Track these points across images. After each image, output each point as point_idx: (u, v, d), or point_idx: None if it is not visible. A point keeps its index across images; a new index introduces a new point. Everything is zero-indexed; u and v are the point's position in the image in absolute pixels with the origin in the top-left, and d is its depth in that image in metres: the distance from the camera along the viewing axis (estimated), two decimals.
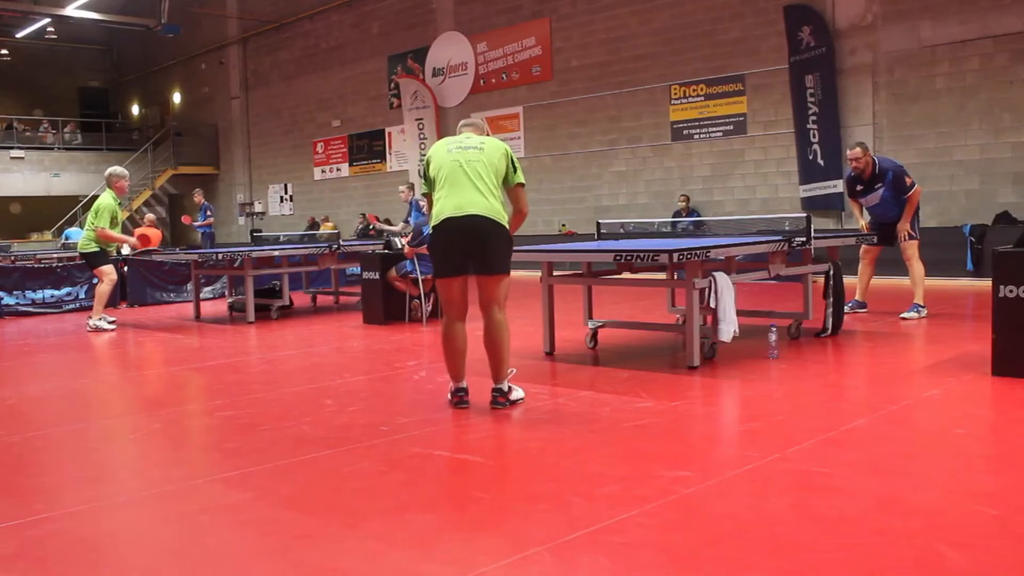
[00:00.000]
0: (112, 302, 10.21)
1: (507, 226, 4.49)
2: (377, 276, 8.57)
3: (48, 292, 10.83)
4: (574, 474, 3.39)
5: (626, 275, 6.53)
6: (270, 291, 9.75)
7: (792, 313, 6.87)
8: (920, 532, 2.67)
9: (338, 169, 22.56)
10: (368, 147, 21.57)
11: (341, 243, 10.03)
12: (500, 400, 4.53)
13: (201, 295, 10.20)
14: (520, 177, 4.64)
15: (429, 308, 8.43)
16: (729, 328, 5.55)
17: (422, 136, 19.58)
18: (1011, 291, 4.81)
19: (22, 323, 9.92)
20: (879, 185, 7.69)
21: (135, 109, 31.46)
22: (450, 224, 4.40)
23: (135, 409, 5.21)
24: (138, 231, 13.51)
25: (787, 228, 6.64)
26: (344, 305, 10.59)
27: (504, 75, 18.00)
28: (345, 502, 3.16)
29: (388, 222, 19.43)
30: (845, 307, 7.12)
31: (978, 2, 11.74)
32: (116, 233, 8.93)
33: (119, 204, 8.84)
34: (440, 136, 18.86)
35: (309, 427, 4.32)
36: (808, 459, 3.47)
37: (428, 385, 5.35)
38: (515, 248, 4.66)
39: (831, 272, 6.65)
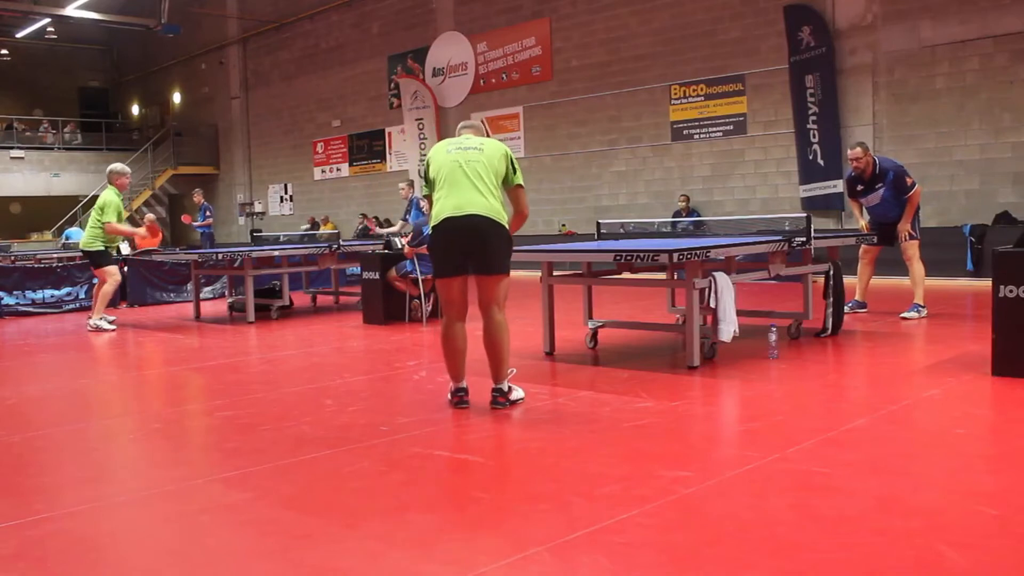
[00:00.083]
0: (112, 302, 10.20)
1: (507, 226, 4.50)
2: (377, 276, 8.57)
3: (48, 292, 10.83)
4: (574, 474, 3.39)
5: (626, 275, 6.53)
6: (270, 291, 9.75)
7: (792, 313, 6.87)
8: (920, 532, 2.67)
9: (338, 169, 22.56)
10: (368, 147, 21.57)
11: (341, 243, 10.03)
12: (500, 400, 4.53)
13: (201, 295, 10.20)
14: (519, 178, 4.64)
15: (429, 308, 8.43)
16: (729, 328, 5.55)
17: (422, 136, 19.58)
18: (1011, 291, 4.81)
19: (22, 323, 9.92)
20: (879, 185, 7.69)
21: (135, 109, 31.47)
22: (450, 224, 4.41)
23: (135, 409, 5.21)
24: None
25: (787, 228, 6.64)
26: (344, 305, 10.59)
27: (504, 75, 18.00)
28: (345, 502, 3.16)
29: (388, 222, 19.45)
30: (845, 307, 7.12)
31: (978, 2, 11.74)
32: (125, 226, 8.99)
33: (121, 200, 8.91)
34: (440, 136, 18.86)
35: (309, 427, 4.32)
36: (808, 459, 3.47)
37: (428, 385, 5.35)
38: (515, 248, 4.66)
39: (831, 272, 6.65)
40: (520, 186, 4.66)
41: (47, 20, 23.07)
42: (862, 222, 8.02)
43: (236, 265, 9.32)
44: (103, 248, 8.78)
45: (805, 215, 6.62)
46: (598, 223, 7.83)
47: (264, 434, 4.21)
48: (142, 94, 30.89)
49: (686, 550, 2.60)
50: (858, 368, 5.79)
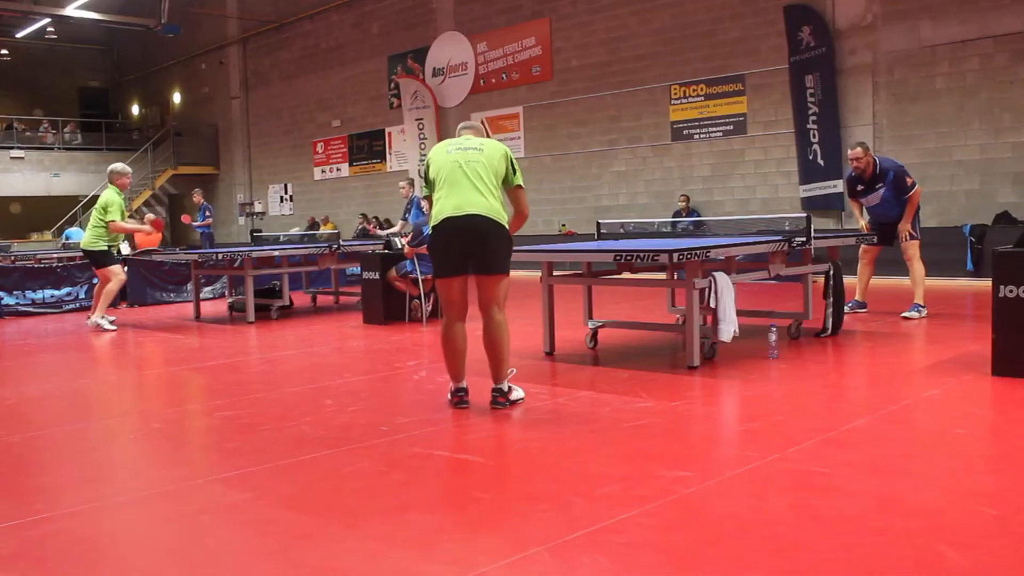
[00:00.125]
0: (112, 302, 10.20)
1: (507, 226, 4.50)
2: (377, 276, 8.57)
3: (48, 292, 10.83)
4: (574, 474, 3.39)
5: (626, 275, 6.53)
6: (270, 291, 9.75)
7: (792, 313, 6.87)
8: (920, 532, 2.67)
9: (338, 169, 22.56)
10: (368, 147, 21.57)
11: (341, 243, 10.03)
12: (500, 400, 4.53)
13: (201, 295, 10.20)
14: (519, 179, 4.64)
15: (429, 308, 8.43)
16: (729, 328, 5.55)
17: (422, 136, 19.58)
18: (1011, 291, 4.81)
19: (22, 323, 9.92)
20: (880, 185, 7.68)
21: (135, 109, 31.47)
22: (450, 224, 4.40)
23: (135, 409, 5.21)
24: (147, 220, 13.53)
25: (787, 228, 6.64)
26: (344, 305, 10.59)
27: (504, 75, 18.00)
28: (345, 502, 3.16)
29: (388, 222, 19.45)
30: (845, 307, 7.12)
31: (978, 2, 11.74)
32: (130, 224, 9.06)
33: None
34: (440, 136, 18.87)
35: (309, 427, 4.32)
36: (808, 459, 3.47)
37: (428, 385, 5.35)
38: (515, 248, 4.66)
39: (831, 272, 6.65)
40: (520, 187, 4.66)
41: (47, 20, 23.07)
42: (862, 222, 8.02)
43: (236, 265, 9.32)
44: (106, 248, 8.80)
45: (805, 215, 6.62)
46: (598, 223, 7.83)
47: (264, 434, 4.21)
48: (142, 94, 30.89)
49: (686, 550, 2.60)
50: (858, 368, 5.79)
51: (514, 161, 4.63)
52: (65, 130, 28.07)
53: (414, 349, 6.98)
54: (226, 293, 11.18)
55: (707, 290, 5.56)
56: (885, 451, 3.60)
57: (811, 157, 13.40)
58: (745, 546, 2.60)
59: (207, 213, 17.16)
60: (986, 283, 6.12)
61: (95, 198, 26.53)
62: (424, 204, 4.74)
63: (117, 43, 30.91)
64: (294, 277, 10.68)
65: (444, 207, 4.43)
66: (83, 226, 21.69)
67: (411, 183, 12.77)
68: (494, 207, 4.42)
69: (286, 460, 3.72)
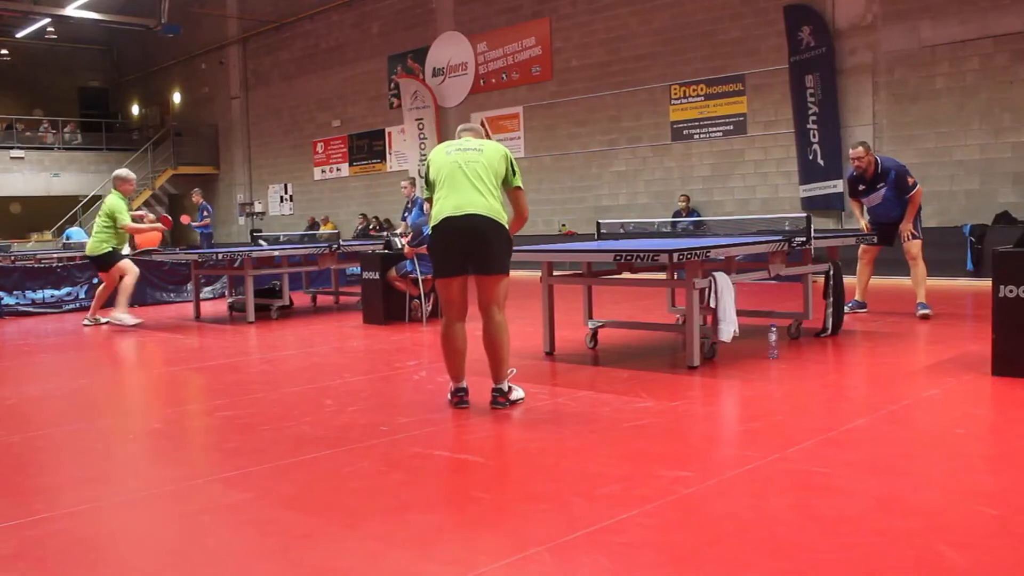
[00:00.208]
0: (112, 302, 10.21)
1: (507, 226, 4.50)
2: (377, 276, 8.57)
3: (48, 292, 10.83)
4: (574, 474, 3.39)
5: (626, 275, 6.53)
6: (270, 291, 9.75)
7: (792, 313, 6.87)
8: (920, 532, 2.67)
9: (338, 169, 22.57)
10: (368, 147, 21.58)
11: (341, 243, 10.03)
12: (500, 400, 4.53)
13: (201, 295, 10.20)
14: (519, 181, 4.64)
15: (429, 308, 8.43)
16: (729, 328, 5.55)
17: (422, 136, 19.59)
18: (1011, 291, 4.81)
19: (22, 323, 9.92)
20: (881, 185, 7.67)
21: (135, 109, 31.47)
22: (449, 224, 4.41)
23: (135, 409, 5.22)
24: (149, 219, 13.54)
25: (787, 228, 6.64)
26: (344, 305, 10.59)
27: (504, 75, 18.00)
28: (345, 502, 3.16)
29: (388, 222, 19.46)
30: (845, 307, 7.11)
31: (978, 2, 11.75)
32: (142, 224, 9.17)
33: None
34: (440, 136, 18.87)
35: (309, 427, 4.32)
36: (808, 459, 3.47)
37: (428, 385, 5.35)
38: (515, 248, 4.66)
39: (831, 272, 6.65)
40: (519, 188, 4.66)
41: (47, 20, 23.07)
42: (863, 222, 8.01)
43: (236, 265, 9.32)
44: (111, 250, 8.86)
45: (805, 215, 6.62)
46: (598, 223, 7.83)
47: (264, 434, 4.21)
48: (142, 94, 30.90)
49: (686, 550, 2.60)
50: (858, 368, 5.80)
51: (514, 162, 4.63)
52: (65, 130, 28.08)
53: (414, 349, 6.98)
54: (226, 293, 11.18)
55: (707, 290, 5.56)
56: (885, 451, 3.60)
57: (811, 157, 13.40)
58: (745, 546, 2.60)
59: (204, 213, 17.13)
60: (986, 283, 6.12)
61: (95, 198, 26.58)
62: (426, 205, 4.73)
63: (117, 43, 30.91)
64: (294, 277, 10.68)
65: (444, 207, 4.43)
66: (83, 226, 21.77)
67: (412, 182, 12.75)
68: (494, 207, 4.42)
69: (286, 460, 3.72)
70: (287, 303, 9.62)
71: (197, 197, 17.53)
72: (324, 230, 19.19)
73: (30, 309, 10.61)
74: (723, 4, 14.41)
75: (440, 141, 18.34)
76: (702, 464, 3.54)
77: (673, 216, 14.17)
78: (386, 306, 8.54)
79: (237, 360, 6.82)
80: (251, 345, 7.68)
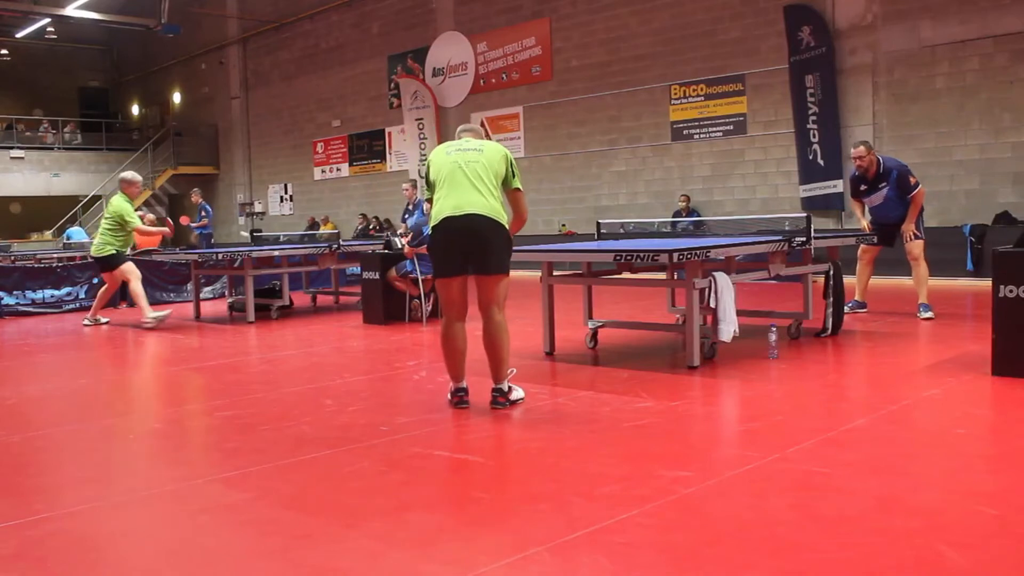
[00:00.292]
0: (112, 302, 10.22)
1: (507, 226, 4.50)
2: (377, 276, 8.57)
3: (48, 292, 10.83)
4: (574, 474, 3.39)
5: (626, 275, 6.53)
6: (270, 291, 9.75)
7: (792, 313, 6.87)
8: (920, 532, 2.67)
9: (338, 169, 22.57)
10: (368, 147, 21.58)
11: (341, 243, 10.03)
12: (500, 400, 4.53)
13: (201, 295, 10.20)
14: (518, 182, 4.64)
15: (429, 308, 8.44)
16: (729, 328, 5.55)
17: (422, 136, 19.58)
18: (1011, 291, 4.81)
19: (22, 323, 9.92)
20: (883, 185, 7.66)
21: (135, 109, 31.47)
22: (449, 224, 4.41)
23: (135, 409, 5.22)
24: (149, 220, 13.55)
25: (787, 228, 6.64)
26: (344, 305, 10.59)
27: (504, 75, 18.00)
28: (345, 502, 3.16)
29: (388, 223, 19.45)
30: (845, 307, 7.11)
31: (978, 2, 11.75)
32: (152, 227, 9.20)
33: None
34: (440, 136, 18.87)
35: (309, 427, 4.32)
36: (808, 459, 3.47)
37: (428, 385, 5.35)
38: (515, 248, 4.66)
39: (831, 272, 6.65)
40: (519, 189, 4.66)
41: (47, 20, 23.07)
42: (863, 222, 8.00)
43: (236, 265, 9.32)
44: (115, 252, 8.87)
45: (805, 215, 6.62)
46: (598, 223, 7.83)
47: (264, 434, 4.21)
48: (142, 94, 30.90)
49: (686, 550, 2.60)
50: (858, 368, 5.79)
51: (513, 163, 4.63)
52: (65, 130, 28.08)
53: (414, 349, 6.98)
54: (226, 293, 11.18)
55: (707, 290, 5.56)
56: (885, 451, 3.60)
57: (811, 157, 13.40)
58: (745, 546, 2.60)
59: (203, 214, 17.08)
60: (986, 283, 6.12)
61: (95, 198, 26.56)
62: (426, 206, 4.74)
63: (117, 43, 30.91)
64: (294, 277, 10.68)
65: (444, 207, 4.43)
66: (83, 226, 21.78)
67: (414, 184, 12.71)
68: (494, 207, 4.42)
69: (286, 460, 3.72)
70: (287, 303, 9.63)
71: (196, 197, 17.51)
72: (324, 230, 19.18)
73: (30, 309, 10.61)
74: (723, 4, 14.41)
75: (440, 141, 18.34)
76: (702, 464, 3.54)
77: (673, 216, 14.17)
78: (386, 306, 8.55)
79: (237, 360, 6.82)
80: (251, 345, 7.68)
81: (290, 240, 12.01)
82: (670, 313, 7.28)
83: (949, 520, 2.77)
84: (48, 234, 25.53)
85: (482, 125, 17.82)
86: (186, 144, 27.10)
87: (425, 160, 4.74)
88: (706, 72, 14.70)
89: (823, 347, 6.32)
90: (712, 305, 5.54)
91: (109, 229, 8.84)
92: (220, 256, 9.56)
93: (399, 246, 8.79)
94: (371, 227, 19.80)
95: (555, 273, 6.35)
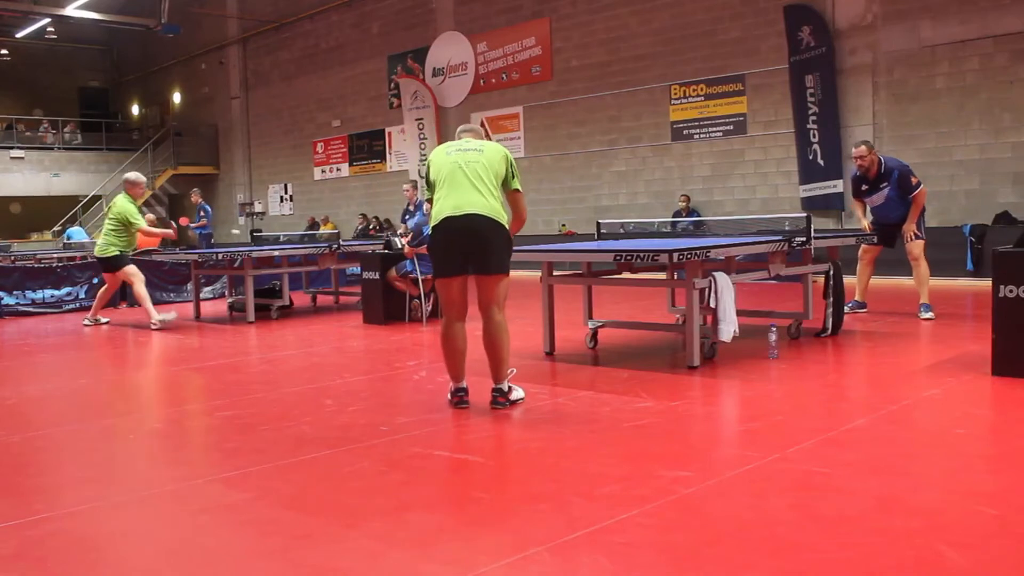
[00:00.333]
0: (112, 302, 10.21)
1: (507, 226, 4.50)
2: (377, 276, 8.57)
3: (48, 292, 10.83)
4: (574, 474, 3.39)
5: (626, 275, 6.53)
6: (270, 291, 9.75)
7: (792, 313, 6.87)
8: (920, 532, 2.67)
9: (338, 169, 22.57)
10: (368, 147, 21.58)
11: (341, 243, 10.03)
12: (500, 400, 4.53)
13: (201, 295, 10.20)
14: (517, 183, 4.64)
15: (429, 308, 8.44)
16: (729, 328, 5.55)
17: (422, 136, 19.58)
18: (1011, 291, 4.81)
19: (22, 323, 9.92)
20: (885, 184, 7.65)
21: (135, 109, 31.47)
22: (449, 224, 4.41)
23: (135, 409, 5.22)
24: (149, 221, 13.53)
25: (787, 228, 6.64)
26: (344, 305, 10.59)
27: (504, 75, 18.00)
28: (345, 502, 3.16)
29: (388, 223, 19.45)
30: (845, 307, 7.11)
31: (978, 2, 11.75)
32: (157, 228, 9.46)
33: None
34: (440, 136, 18.87)
35: (309, 427, 4.32)
36: (808, 459, 3.47)
37: (428, 385, 5.35)
38: (515, 248, 4.66)
39: (831, 272, 6.65)
40: (518, 190, 4.66)
41: (47, 20, 23.07)
42: (864, 222, 7.99)
43: (236, 265, 9.32)
44: (119, 252, 8.86)
45: (805, 215, 6.62)
46: (598, 223, 7.83)
47: (264, 434, 4.21)
48: (142, 94, 30.89)
49: (686, 550, 2.60)
50: (858, 368, 5.79)
51: (513, 164, 4.63)
52: (65, 130, 28.07)
53: (414, 349, 6.98)
54: (226, 293, 11.18)
55: (707, 290, 5.56)
56: (885, 451, 3.60)
57: (811, 157, 13.40)
58: (745, 546, 2.60)
59: (201, 214, 17.05)
60: (986, 283, 6.12)
61: (95, 198, 26.53)
62: (426, 206, 4.74)
63: (117, 43, 30.91)
64: (294, 277, 10.68)
65: (444, 207, 4.44)
66: (83, 226, 21.78)
67: (414, 185, 12.71)
68: (494, 207, 4.42)
69: (286, 460, 3.72)
70: (287, 303, 9.63)
71: (196, 197, 17.51)
72: (324, 230, 19.18)
73: (30, 309, 10.61)
74: (723, 4, 14.41)
75: (440, 141, 18.35)
76: (702, 464, 3.54)
77: (673, 216, 14.17)
78: (386, 306, 8.55)
79: (237, 360, 6.82)
80: (251, 345, 7.68)
81: (290, 240, 12.01)
82: (670, 313, 7.28)
83: (949, 520, 2.77)
84: (48, 234, 25.53)
85: (482, 125, 17.82)
86: (186, 144, 27.10)
87: (425, 160, 4.74)
88: (706, 72, 14.70)
89: (823, 347, 6.32)
90: (712, 305, 5.54)
91: (112, 230, 8.84)
92: (220, 256, 9.56)
93: (399, 246, 8.79)
94: (371, 227, 19.80)
95: (555, 273, 6.35)
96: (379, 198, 21.15)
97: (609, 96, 16.13)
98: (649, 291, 8.93)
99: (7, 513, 3.11)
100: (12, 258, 12.88)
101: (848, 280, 7.09)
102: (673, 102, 15.20)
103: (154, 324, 8.73)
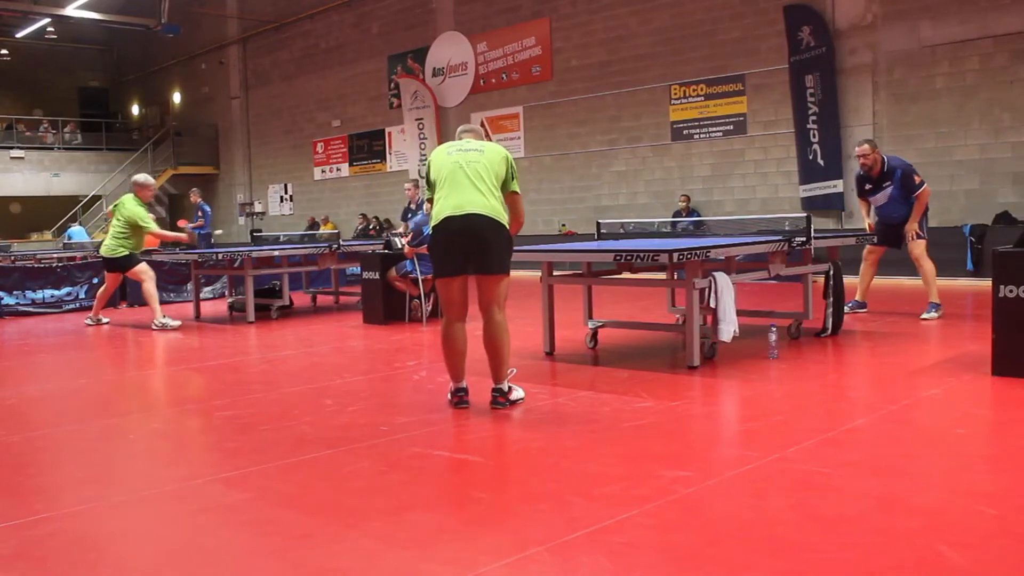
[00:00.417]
0: (112, 302, 10.21)
1: (507, 226, 4.50)
2: (377, 276, 8.57)
3: (48, 292, 10.83)
4: (574, 474, 3.39)
5: (626, 275, 6.53)
6: (270, 291, 9.75)
7: (792, 313, 6.87)
8: (920, 532, 2.67)
9: (338, 169, 22.57)
10: (368, 147, 21.58)
11: (341, 243, 10.03)
12: (500, 400, 4.53)
13: (201, 295, 10.20)
14: (516, 185, 4.64)
15: (429, 308, 8.44)
16: (729, 328, 5.55)
17: (422, 136, 19.58)
18: (1011, 291, 4.81)
19: (22, 323, 9.92)
20: (887, 184, 7.64)
21: (135, 109, 31.47)
22: (450, 223, 4.41)
23: (135, 409, 5.22)
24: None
25: (787, 228, 6.64)
26: (344, 305, 10.59)
27: (504, 75, 18.00)
28: (345, 502, 3.16)
29: (388, 223, 19.44)
30: (845, 307, 7.11)
31: (978, 2, 11.75)
32: (168, 232, 9.47)
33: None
34: (440, 136, 18.87)
35: (309, 427, 4.32)
36: (808, 459, 3.47)
37: (428, 385, 5.35)
38: (515, 248, 4.66)
39: (831, 272, 6.65)
40: (516, 192, 4.66)
41: (47, 20, 23.06)
42: (867, 221, 7.97)
43: (236, 265, 9.32)
44: (128, 253, 8.85)
45: (805, 215, 6.62)
46: (598, 223, 7.83)
47: (264, 434, 4.21)
48: (142, 94, 30.89)
49: (686, 550, 2.60)
50: (858, 368, 5.80)
51: (513, 166, 4.64)
52: (65, 130, 28.07)
53: (414, 349, 6.98)
54: (226, 293, 11.18)
55: (707, 290, 5.56)
56: (885, 451, 3.60)
57: (811, 157, 13.40)
58: (745, 546, 2.60)
59: (199, 214, 17.02)
60: (986, 283, 6.12)
61: (95, 198, 26.51)
62: (427, 206, 4.75)
63: (117, 43, 30.90)
64: (294, 277, 10.68)
65: (444, 207, 4.43)
66: (83, 226, 21.77)
67: (416, 184, 12.70)
68: (494, 207, 4.42)
69: (286, 460, 3.72)
70: (287, 303, 9.63)
71: (195, 197, 17.48)
72: (324, 230, 19.18)
73: (30, 309, 10.61)
74: (723, 4, 14.41)
75: (440, 141, 18.35)
76: (702, 464, 3.54)
77: (673, 216, 14.17)
78: (386, 306, 8.55)
79: (237, 360, 6.82)
80: (251, 345, 7.68)
81: (290, 240, 12.01)
82: (670, 313, 7.28)
83: (949, 520, 2.77)
84: (48, 234, 25.53)
85: (482, 125, 17.82)
86: (186, 144, 27.10)
87: (425, 160, 4.74)
88: (706, 72, 14.70)
89: (823, 347, 6.32)
90: (712, 305, 5.54)
91: (120, 231, 8.81)
92: (220, 256, 9.56)
93: (399, 246, 8.79)
94: (371, 227, 19.80)
95: (555, 273, 6.35)
96: (379, 198, 21.15)
97: (609, 96, 16.13)
98: (649, 291, 8.93)
99: (7, 513, 3.11)
100: (12, 258, 12.88)
101: (850, 280, 7.09)
102: (673, 102, 15.20)
103: (155, 324, 8.73)
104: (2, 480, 3.58)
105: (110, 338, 8.42)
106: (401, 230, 12.21)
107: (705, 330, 5.68)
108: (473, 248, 4.42)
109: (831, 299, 6.64)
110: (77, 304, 10.89)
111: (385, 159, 21.10)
